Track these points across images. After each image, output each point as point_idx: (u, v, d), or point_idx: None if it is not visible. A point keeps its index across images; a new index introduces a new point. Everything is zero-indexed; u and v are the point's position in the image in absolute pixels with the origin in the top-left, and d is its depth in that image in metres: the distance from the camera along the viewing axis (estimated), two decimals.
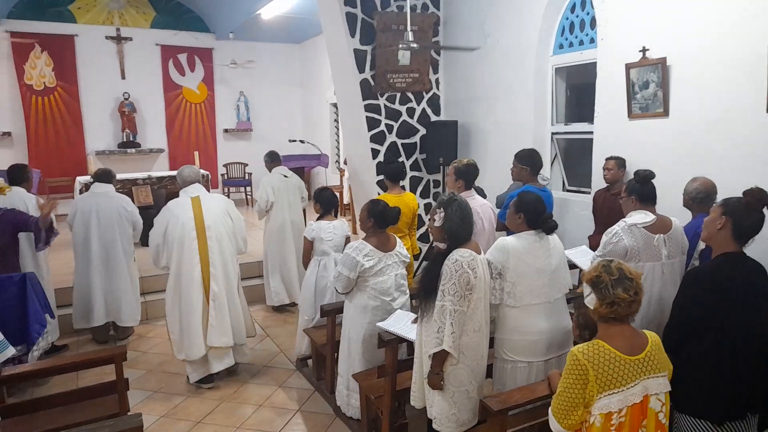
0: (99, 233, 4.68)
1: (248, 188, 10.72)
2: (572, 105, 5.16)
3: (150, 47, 9.93)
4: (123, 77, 9.80)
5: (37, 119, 9.12)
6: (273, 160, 5.85)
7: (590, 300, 1.96)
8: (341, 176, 10.13)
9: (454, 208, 2.62)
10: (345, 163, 8.55)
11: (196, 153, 8.65)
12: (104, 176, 4.90)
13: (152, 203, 7.19)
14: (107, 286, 4.73)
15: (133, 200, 5.69)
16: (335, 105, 10.41)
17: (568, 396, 1.89)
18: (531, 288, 2.74)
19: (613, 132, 4.32)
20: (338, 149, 10.56)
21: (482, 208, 3.56)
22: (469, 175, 3.69)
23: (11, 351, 2.43)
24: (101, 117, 9.75)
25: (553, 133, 5.16)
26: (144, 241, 5.55)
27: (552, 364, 2.82)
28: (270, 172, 5.75)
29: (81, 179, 7.43)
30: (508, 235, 3.68)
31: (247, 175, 10.88)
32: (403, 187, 4.83)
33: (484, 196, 4.02)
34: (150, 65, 10.00)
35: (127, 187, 7.15)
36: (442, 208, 2.64)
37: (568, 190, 5.13)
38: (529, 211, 2.80)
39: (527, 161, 3.93)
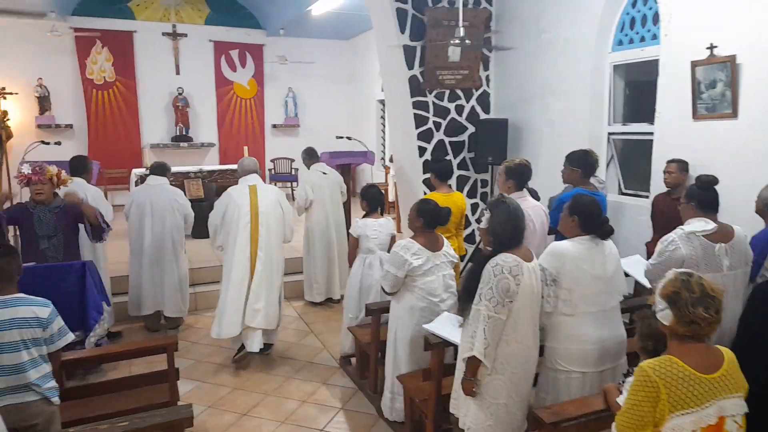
0: (152, 224, 4.82)
1: (294, 183, 10.84)
2: (631, 104, 4.95)
3: (204, 43, 10.18)
4: (177, 72, 10.09)
5: (96, 112, 9.51)
6: (311, 157, 5.88)
7: (665, 316, 1.83)
8: (386, 173, 10.11)
9: (501, 210, 2.53)
10: (390, 160, 8.52)
11: (246, 148, 8.81)
12: (159, 169, 5.05)
13: (203, 196, 7.37)
14: (157, 276, 4.87)
15: (185, 193, 5.84)
16: (382, 102, 10.39)
17: (636, 414, 1.78)
18: (586, 295, 2.63)
19: (676, 133, 4.11)
20: (384, 146, 10.55)
21: (534, 210, 3.45)
22: (520, 175, 3.58)
23: (71, 337, 2.51)
24: (156, 111, 10.08)
25: (609, 133, 4.97)
26: (195, 233, 5.68)
27: (607, 375, 2.71)
28: (308, 168, 5.79)
29: (137, 171, 7.70)
30: (557, 239, 3.58)
31: (293, 170, 11.02)
32: (450, 186, 4.75)
33: (537, 198, 3.89)
34: (203, 61, 10.25)
35: (179, 180, 7.35)
36: (489, 210, 2.57)
37: (625, 194, 4.93)
38: (584, 214, 2.69)
39: (579, 163, 3.78)
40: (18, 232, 3.94)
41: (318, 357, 4.53)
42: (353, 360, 4.24)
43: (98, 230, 3.94)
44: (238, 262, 4.16)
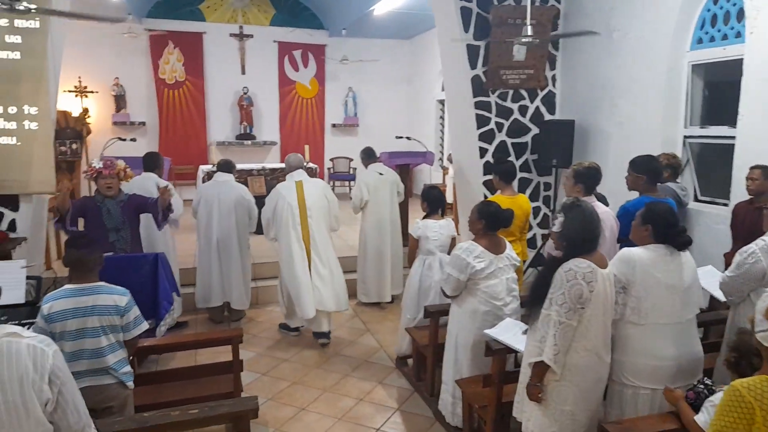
0: (219, 219, 4.99)
1: (352, 182, 10.95)
2: (710, 106, 4.67)
3: (268, 44, 10.45)
4: (243, 72, 10.41)
5: (167, 111, 9.96)
6: (369, 157, 5.89)
7: (766, 337, 1.72)
8: (444, 174, 10.04)
9: (576, 214, 2.45)
10: (449, 160, 8.44)
11: (307, 147, 8.98)
12: (226, 166, 5.23)
13: (265, 193, 7.54)
14: (224, 270, 5.03)
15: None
16: (442, 102, 10.33)
17: None
18: (659, 305, 2.50)
19: (760, 137, 3.84)
20: (442, 147, 10.47)
21: (604, 216, 3.30)
22: (589, 179, 3.45)
23: (146, 325, 2.64)
24: (222, 110, 10.44)
25: (685, 137, 4.71)
26: (259, 229, 5.82)
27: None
28: (366, 168, 5.81)
29: (203, 168, 8.00)
30: (622, 247, 3.42)
31: (351, 169, 11.13)
32: (514, 189, 4.64)
33: (605, 203, 3.74)
34: (267, 61, 10.53)
35: (243, 177, 7.58)
36: (562, 213, 2.49)
37: (700, 201, 4.66)
38: (659, 223, 2.56)
39: (644, 169, 3.59)
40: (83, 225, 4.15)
41: (374, 356, 4.55)
42: (410, 361, 4.23)
43: (166, 216, 4.10)
44: (296, 253, 4.55)
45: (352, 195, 5.73)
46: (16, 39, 4.39)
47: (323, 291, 4.61)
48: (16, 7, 3.30)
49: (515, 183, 5.85)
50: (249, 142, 10.40)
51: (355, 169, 10.97)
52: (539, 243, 6.11)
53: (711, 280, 3.22)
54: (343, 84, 11.17)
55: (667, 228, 2.56)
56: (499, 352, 2.84)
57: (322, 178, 9.46)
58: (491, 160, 5.93)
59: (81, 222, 4.04)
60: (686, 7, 4.52)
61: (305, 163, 8.21)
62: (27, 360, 1.59)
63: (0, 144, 4.46)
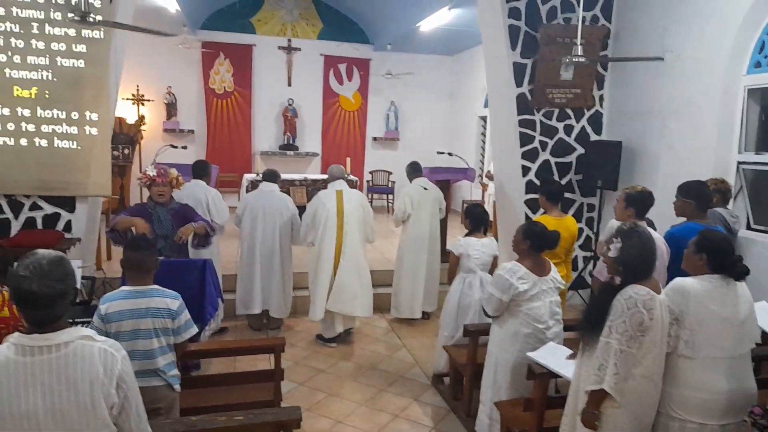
0: (263, 228, 5.10)
1: (390, 196, 11.01)
2: (766, 132, 4.51)
3: (315, 57, 10.66)
4: (289, 84, 10.64)
5: (215, 120, 10.26)
6: (414, 171, 5.88)
7: None
8: (483, 191, 9.97)
9: (634, 240, 2.39)
10: (488, 177, 8.39)
11: (348, 159, 9.09)
12: (271, 176, 5.34)
13: (306, 203, 7.66)
14: (266, 277, 5.12)
15: None
16: (483, 118, 10.29)
17: None
18: (712, 339, 2.42)
19: None
20: (482, 163, 10.42)
21: (657, 241, 3.23)
22: (642, 203, 3.37)
23: (195, 330, 2.72)
24: (267, 120, 10.69)
25: (739, 163, 4.55)
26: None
27: (729, 429, 2.46)
28: (410, 182, 5.82)
29: (248, 176, 8.19)
30: (669, 275, 3.32)
31: (390, 183, 11.18)
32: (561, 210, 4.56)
33: (653, 228, 3.65)
34: (313, 74, 10.73)
35: (285, 187, 7.72)
36: (619, 238, 2.44)
37: (754, 229, 4.48)
38: (714, 253, 2.48)
39: (693, 194, 3.49)
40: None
41: (410, 372, 4.53)
42: (446, 379, 4.20)
43: (205, 239, 4.18)
44: (325, 255, 4.85)
45: (395, 207, 5.75)
46: (82, 48, 4.63)
47: (348, 294, 4.86)
48: (87, 19, 3.50)
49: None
50: (292, 152, 10.60)
51: (393, 182, 11.02)
52: (581, 265, 5.99)
53: (764, 316, 3.08)
54: (385, 98, 11.27)
55: (723, 257, 2.48)
56: (541, 376, 2.80)
57: (361, 191, 9.57)
58: (534, 179, 5.88)
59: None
60: (744, 30, 4.40)
61: (346, 175, 8.35)
62: (98, 363, 1.65)
63: (62, 147, 4.69)
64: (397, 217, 5.66)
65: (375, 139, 11.41)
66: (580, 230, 5.88)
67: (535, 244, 3.20)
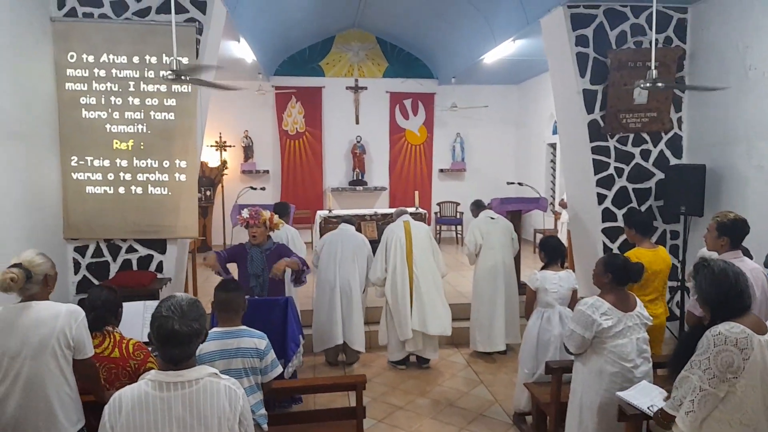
0: (342, 264, 5.31)
1: (459, 227, 10.95)
2: None
3: (381, 94, 10.97)
4: (357, 122, 10.98)
5: (289, 159, 10.73)
6: (478, 207, 5.94)
7: None
8: (555, 219, 9.71)
9: (704, 275, 2.30)
10: (561, 205, 8.18)
11: (417, 192, 9.18)
12: (350, 221, 5.67)
13: (377, 237, 7.79)
14: (344, 311, 5.26)
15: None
16: (552, 145, 10.11)
17: None
18: None
19: None
20: (553, 191, 10.19)
21: (752, 273, 3.03)
22: (736, 231, 3.18)
23: (280, 369, 2.82)
24: (337, 157, 11.04)
25: None
26: None
27: None
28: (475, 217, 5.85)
29: (320, 213, 8.45)
30: None
31: (458, 214, 11.14)
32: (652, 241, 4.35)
33: (750, 257, 3.42)
34: (379, 111, 11.02)
35: (357, 222, 7.88)
36: (692, 276, 2.35)
37: None
38: None
39: None
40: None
41: (489, 410, 4.43)
42: (528, 418, 4.06)
43: (300, 275, 4.36)
44: (400, 277, 5.16)
45: (466, 242, 5.74)
46: (172, 102, 5.04)
47: (425, 313, 5.12)
48: (181, 78, 3.83)
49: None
50: (361, 187, 10.85)
51: (461, 213, 10.97)
52: (667, 296, 5.67)
53: None
54: (451, 130, 11.36)
55: None
56: (634, 418, 2.66)
57: (429, 223, 9.61)
58: (611, 207, 5.69)
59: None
60: None
61: (415, 209, 8.48)
62: (224, 400, 1.79)
63: (155, 194, 5.07)
64: (470, 251, 5.65)
65: (441, 170, 11.46)
66: None
67: (617, 278, 3.08)
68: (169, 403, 1.74)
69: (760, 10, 4.71)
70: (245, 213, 4.25)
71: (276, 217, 4.36)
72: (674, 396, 2.27)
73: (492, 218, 5.72)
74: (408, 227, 5.31)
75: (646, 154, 5.72)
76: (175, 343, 1.76)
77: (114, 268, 5.15)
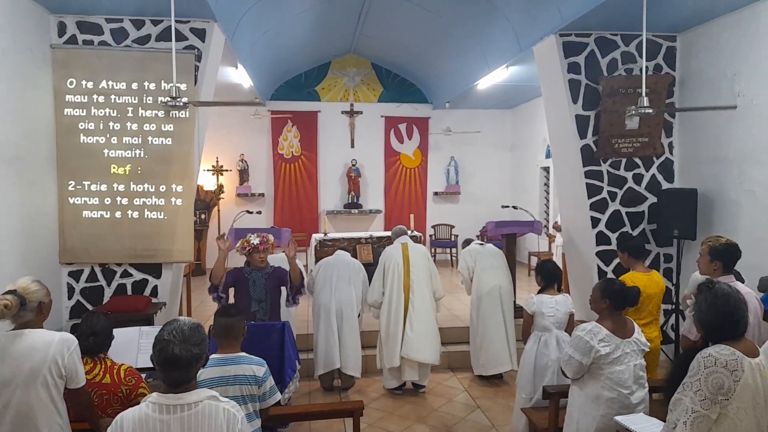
0: (338, 288, 5.24)
1: (453, 249, 10.97)
2: None
3: (375, 119, 11.09)
4: (352, 146, 11.08)
5: (284, 183, 10.77)
6: (467, 243, 6.07)
7: None
8: (550, 242, 9.76)
9: (704, 298, 2.29)
10: (555, 228, 8.24)
11: (412, 216, 9.22)
12: (346, 249, 5.74)
13: (372, 261, 7.79)
14: (341, 336, 5.20)
15: (355, 256, 6.29)
16: (546, 169, 10.22)
17: None
18: None
19: None
20: (547, 214, 10.26)
21: (746, 297, 3.05)
22: (728, 256, 3.22)
23: (279, 396, 2.80)
24: (332, 181, 11.10)
25: None
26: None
27: None
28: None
29: (316, 236, 8.46)
30: None
31: (453, 236, 11.18)
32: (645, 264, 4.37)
33: (741, 280, 3.46)
34: (374, 134, 11.13)
35: (352, 245, 7.90)
36: (693, 296, 2.36)
37: None
38: None
39: None
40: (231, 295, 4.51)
41: None
42: None
43: (297, 291, 4.36)
44: (395, 301, 5.13)
45: (459, 269, 5.80)
46: (170, 127, 5.08)
47: (419, 341, 5.07)
48: (177, 104, 3.88)
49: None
50: (356, 210, 10.88)
51: (456, 236, 11.01)
52: (661, 319, 5.69)
53: None
54: (445, 153, 11.46)
55: None
56: None
57: (425, 245, 9.62)
58: (605, 231, 5.75)
59: (231, 291, 4.41)
60: None
61: (410, 232, 8.50)
62: (223, 422, 1.81)
63: (151, 218, 5.08)
64: (464, 277, 5.68)
65: (436, 193, 11.53)
66: None
67: (615, 303, 3.10)
68: (169, 426, 1.77)
69: (746, 39, 4.85)
70: (254, 239, 4.23)
71: (274, 240, 4.39)
72: (669, 419, 2.27)
73: (480, 244, 5.86)
74: (406, 250, 5.31)
75: (638, 179, 5.81)
76: (176, 367, 1.79)
77: (108, 293, 5.13)
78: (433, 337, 5.21)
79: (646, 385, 3.11)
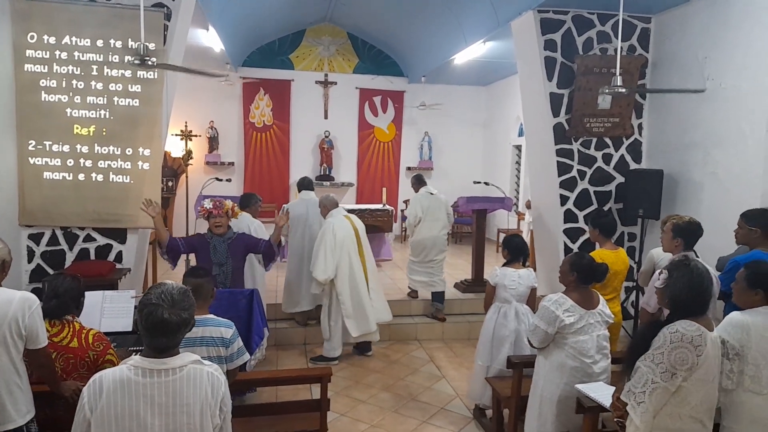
0: (309, 232, 5.58)
1: None
2: None
3: (350, 90, 10.94)
4: (326, 117, 10.92)
5: (254, 152, 10.58)
6: (419, 182, 6.64)
7: None
8: (519, 219, 9.91)
9: (682, 274, 2.34)
10: (527, 206, 8.36)
11: (384, 189, 9.20)
12: (309, 185, 5.98)
13: None
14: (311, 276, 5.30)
15: None
16: (518, 147, 10.31)
17: None
18: None
19: None
20: (517, 192, 10.39)
21: None
22: (690, 234, 3.33)
23: (247, 356, 2.79)
24: (304, 152, 10.95)
25: None
26: None
27: None
28: (417, 192, 6.53)
29: (286, 206, 8.35)
30: (727, 307, 3.24)
31: None
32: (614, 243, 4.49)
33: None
34: (349, 106, 10.99)
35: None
36: (666, 271, 2.41)
37: None
38: None
39: (758, 222, 3.42)
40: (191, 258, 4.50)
41: (451, 404, 4.49)
42: (488, 412, 4.14)
43: (271, 256, 4.38)
44: (357, 273, 5.19)
45: (407, 214, 6.52)
46: (137, 88, 4.90)
47: (381, 304, 5.41)
48: (146, 63, 3.73)
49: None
50: (328, 183, 10.78)
51: None
52: (623, 296, 5.87)
53: None
54: (419, 128, 11.43)
55: None
56: (592, 410, 2.75)
57: (396, 220, 9.63)
58: (573, 209, 5.85)
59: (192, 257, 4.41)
60: None
61: (383, 205, 8.53)
62: (207, 386, 1.78)
63: (116, 182, 4.93)
64: (410, 223, 6.44)
65: (409, 168, 11.52)
66: None
67: (582, 277, 3.17)
68: (152, 390, 1.73)
69: (718, 24, 4.92)
70: (207, 204, 4.22)
71: (235, 206, 4.36)
72: (627, 385, 2.35)
73: (431, 193, 6.40)
74: (351, 221, 5.36)
75: (607, 158, 5.91)
76: (164, 332, 1.73)
77: (70, 257, 4.99)
78: (383, 298, 5.58)
79: (609, 355, 3.21)
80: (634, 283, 5.68)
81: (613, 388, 2.88)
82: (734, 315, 2.47)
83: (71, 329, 2.75)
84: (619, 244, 5.83)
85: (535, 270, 6.36)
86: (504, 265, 4.18)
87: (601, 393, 2.81)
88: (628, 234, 6.00)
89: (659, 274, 2.44)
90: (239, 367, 2.82)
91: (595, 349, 3.09)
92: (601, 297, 3.25)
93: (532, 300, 4.07)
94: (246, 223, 5.13)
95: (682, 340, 2.22)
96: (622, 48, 5.57)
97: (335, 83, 10.86)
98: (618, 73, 4.50)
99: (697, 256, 3.67)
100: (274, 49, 10.50)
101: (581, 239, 5.80)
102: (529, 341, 3.28)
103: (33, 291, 2.86)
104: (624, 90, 4.53)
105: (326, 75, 10.81)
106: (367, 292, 5.26)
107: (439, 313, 6.27)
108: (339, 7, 9.27)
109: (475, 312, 6.25)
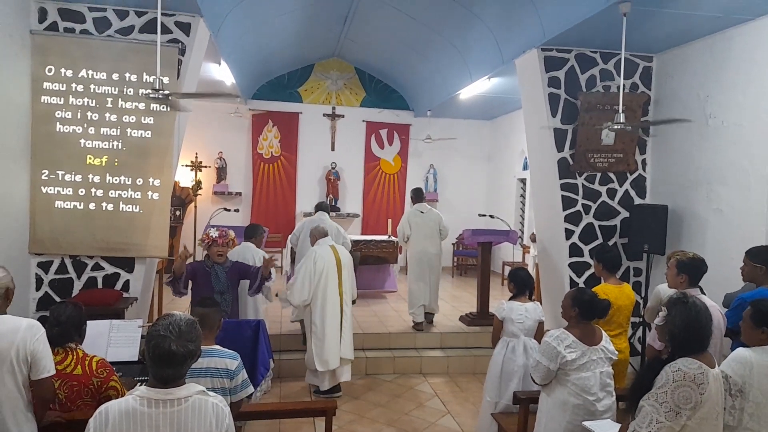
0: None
1: None
2: None
3: (357, 123, 11.11)
4: (333, 149, 11.07)
5: (262, 183, 10.70)
6: (418, 196, 6.92)
7: None
8: (524, 252, 9.90)
9: (680, 310, 2.35)
10: (532, 239, 8.37)
11: (390, 221, 9.24)
12: (325, 207, 6.24)
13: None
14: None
15: None
16: (522, 180, 10.38)
17: None
18: None
19: None
20: (522, 225, 10.41)
21: (711, 311, 3.16)
22: (694, 270, 3.33)
23: (251, 389, 2.79)
24: (311, 182, 11.06)
25: None
26: None
27: None
28: (413, 205, 6.86)
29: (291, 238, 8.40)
30: (733, 344, 3.22)
31: None
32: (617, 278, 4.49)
33: (703, 293, 3.58)
34: (355, 139, 11.15)
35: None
36: (665, 308, 2.42)
37: None
38: None
39: (763, 259, 3.43)
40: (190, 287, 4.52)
41: None
42: None
43: (261, 284, 4.46)
44: (330, 308, 5.06)
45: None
46: (150, 120, 5.02)
47: (349, 341, 5.20)
48: (159, 96, 3.84)
49: None
50: (334, 213, 10.84)
51: None
52: (629, 331, 5.82)
53: None
54: (425, 161, 11.55)
55: None
56: None
57: (401, 252, 9.64)
58: (578, 242, 5.87)
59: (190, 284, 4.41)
60: None
61: (388, 236, 8.56)
62: (212, 417, 1.79)
63: (126, 211, 5.00)
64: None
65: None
66: None
67: (584, 312, 3.16)
68: (157, 421, 1.74)
69: (718, 63, 5.03)
70: (213, 232, 4.29)
71: (235, 236, 4.53)
72: (632, 424, 2.33)
73: (422, 212, 6.71)
74: (336, 252, 5.26)
75: (612, 193, 5.95)
76: (170, 363, 1.75)
77: (78, 286, 5.02)
78: (351, 335, 5.35)
79: (614, 393, 3.18)
80: (641, 319, 5.65)
81: (620, 425, 2.86)
82: (739, 351, 2.46)
83: (75, 356, 2.77)
84: (624, 279, 5.81)
85: (541, 302, 6.36)
86: (511, 299, 4.18)
87: (608, 431, 2.78)
88: (633, 269, 6.00)
89: (659, 311, 2.45)
90: (243, 399, 2.81)
91: (599, 387, 3.06)
92: (604, 333, 3.24)
93: (540, 334, 4.05)
94: (251, 253, 5.18)
95: (684, 378, 2.21)
96: (624, 85, 5.67)
97: (342, 116, 11.04)
98: (621, 110, 4.60)
99: (703, 292, 3.68)
100: (283, 82, 10.74)
101: (587, 273, 5.79)
102: (532, 377, 3.26)
103: (40, 319, 2.89)
104: (627, 126, 4.61)
105: (334, 108, 11.00)
106: (339, 324, 5.10)
107: (419, 326, 6.55)
108: (347, 43, 9.51)
109: (481, 346, 6.20)
